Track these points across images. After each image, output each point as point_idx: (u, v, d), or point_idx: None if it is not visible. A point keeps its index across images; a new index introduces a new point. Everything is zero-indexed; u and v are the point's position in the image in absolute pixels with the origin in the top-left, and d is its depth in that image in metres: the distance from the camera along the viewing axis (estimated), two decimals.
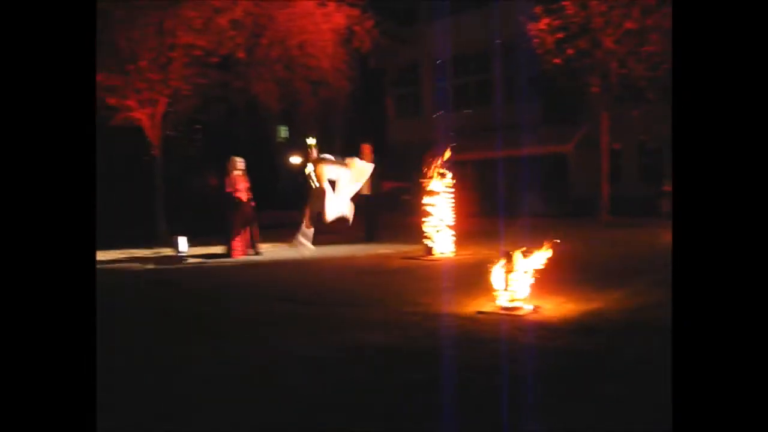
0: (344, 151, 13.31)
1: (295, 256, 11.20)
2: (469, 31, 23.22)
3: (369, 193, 12.73)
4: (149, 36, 13.46)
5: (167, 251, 12.22)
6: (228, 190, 11.43)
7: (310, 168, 10.85)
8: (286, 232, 11.33)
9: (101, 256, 12.17)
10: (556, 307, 6.24)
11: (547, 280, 6.38)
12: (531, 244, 6.36)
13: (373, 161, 12.64)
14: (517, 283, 6.11)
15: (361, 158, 12.84)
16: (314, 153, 10.94)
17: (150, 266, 10.88)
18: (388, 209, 17.95)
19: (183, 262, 10.89)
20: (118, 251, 12.72)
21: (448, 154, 10.21)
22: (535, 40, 15.15)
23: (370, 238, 12.81)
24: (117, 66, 13.49)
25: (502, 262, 6.20)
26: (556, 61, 14.95)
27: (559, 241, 6.25)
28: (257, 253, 11.58)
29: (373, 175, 12.60)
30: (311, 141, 11.03)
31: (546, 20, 14.76)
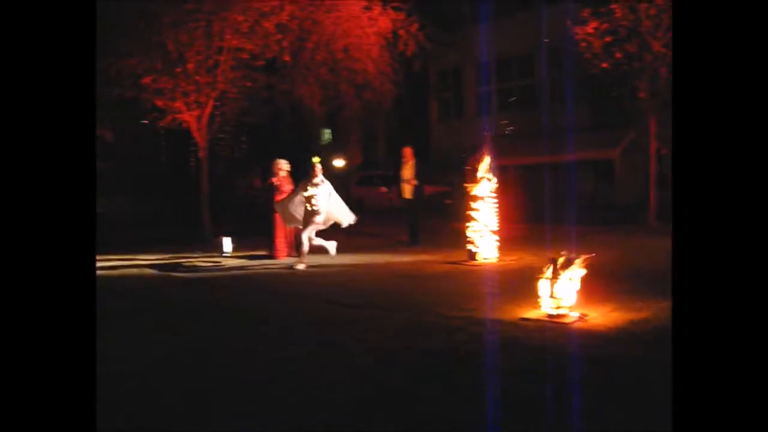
0: (387, 153, 13.34)
1: (335, 260, 11.23)
2: (513, 34, 23.03)
3: (410, 198, 12.69)
4: (197, 39, 13.65)
5: (212, 252, 12.37)
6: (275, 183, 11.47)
7: (312, 191, 10.43)
8: (327, 234, 11.34)
9: (148, 256, 12.37)
10: (603, 316, 6.12)
11: (594, 287, 6.27)
12: (576, 251, 6.26)
13: (415, 165, 12.61)
14: (564, 290, 6.01)
15: (403, 161, 12.82)
16: (319, 174, 10.64)
17: (193, 266, 11.02)
18: (431, 213, 17.88)
19: (225, 262, 10.99)
20: (163, 253, 12.91)
21: (488, 158, 10.11)
22: (582, 44, 14.93)
23: (413, 242, 12.76)
24: (165, 68, 13.71)
25: (548, 268, 6.11)
26: (604, 65, 14.70)
27: (592, 254, 6.15)
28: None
29: (416, 179, 12.56)
30: (316, 160, 10.87)
31: (594, 24, 14.52)
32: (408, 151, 12.81)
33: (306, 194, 10.41)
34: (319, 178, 10.55)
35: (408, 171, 12.73)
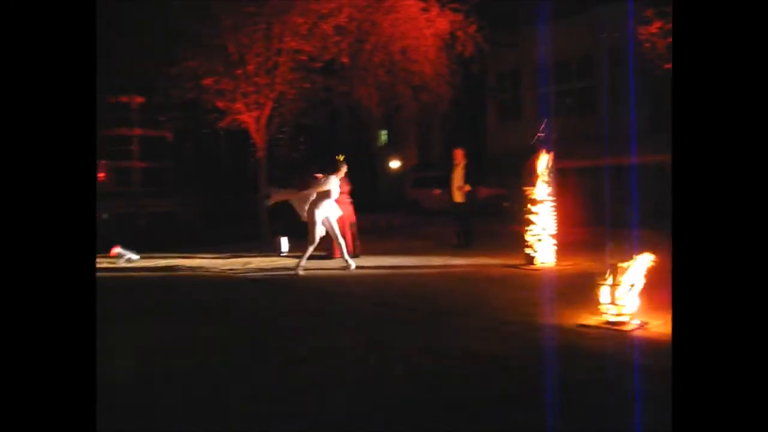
0: (442, 155, 13.32)
1: (392, 262, 11.23)
2: (573, 35, 22.65)
3: (461, 201, 12.61)
4: (257, 41, 13.83)
5: (269, 252, 12.53)
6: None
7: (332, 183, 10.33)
8: (385, 235, 11.36)
9: (207, 255, 12.61)
10: (666, 324, 5.95)
11: (657, 295, 6.11)
12: (636, 256, 6.11)
13: (466, 167, 12.54)
14: (625, 296, 5.87)
15: (454, 163, 12.78)
16: (342, 171, 10.56)
17: (250, 266, 11.18)
18: (488, 216, 17.74)
19: (282, 262, 11.10)
20: (222, 252, 13.13)
21: (547, 159, 9.96)
22: (646, 45, 14.59)
23: (464, 245, 12.67)
24: (226, 70, 13.94)
25: (609, 274, 5.98)
26: (668, 66, 14.34)
27: (654, 259, 5.99)
28: (355, 256, 11.69)
29: (467, 183, 12.46)
30: (341, 158, 10.80)
31: (658, 23, 14.17)
32: (459, 153, 12.73)
33: (324, 188, 10.31)
34: (341, 174, 10.51)
35: (458, 174, 12.64)
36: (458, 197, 12.67)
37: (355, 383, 4.68)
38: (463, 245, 12.66)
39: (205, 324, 6.86)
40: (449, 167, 13.07)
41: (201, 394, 4.55)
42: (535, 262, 9.97)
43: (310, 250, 10.24)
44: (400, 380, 4.73)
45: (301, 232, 12.82)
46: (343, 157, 10.84)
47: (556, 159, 10.21)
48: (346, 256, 10.50)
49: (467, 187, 12.52)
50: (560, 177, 10.24)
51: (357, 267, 10.31)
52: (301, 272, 10.09)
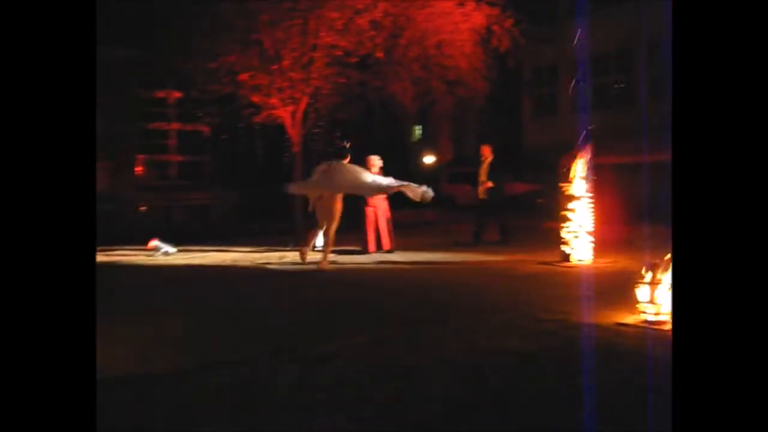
0: (477, 151, 13.25)
1: (426, 257, 11.20)
2: (611, 29, 22.31)
3: (484, 198, 12.51)
4: (293, 36, 13.87)
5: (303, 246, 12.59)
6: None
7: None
8: (416, 230, 11.34)
9: (243, 248, 12.72)
10: None
11: None
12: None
13: (492, 164, 12.49)
14: (664, 295, 5.76)
15: (481, 159, 12.66)
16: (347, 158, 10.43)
17: (284, 259, 11.24)
18: (524, 212, 17.58)
19: (315, 256, 11.15)
20: (257, 245, 13.23)
21: (585, 156, 9.83)
22: None
23: (505, 241, 12.57)
24: (262, 65, 14.02)
25: (647, 272, 5.88)
26: None
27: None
28: (390, 251, 11.70)
29: (491, 180, 12.34)
30: (347, 144, 10.71)
31: None
32: (486, 150, 12.61)
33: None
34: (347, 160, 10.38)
35: (484, 170, 12.51)
36: (481, 193, 12.51)
37: (392, 379, 4.66)
38: (475, 243, 12.52)
39: (241, 316, 6.92)
40: (477, 163, 13.02)
41: (247, 383, 4.57)
42: (571, 260, 9.86)
43: (324, 240, 10.22)
44: (436, 377, 4.71)
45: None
46: (350, 144, 10.79)
47: (594, 155, 10.08)
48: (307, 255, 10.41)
49: (489, 184, 12.43)
50: (597, 173, 10.11)
51: (393, 262, 10.30)
52: (326, 264, 10.07)
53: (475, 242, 12.62)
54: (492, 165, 12.61)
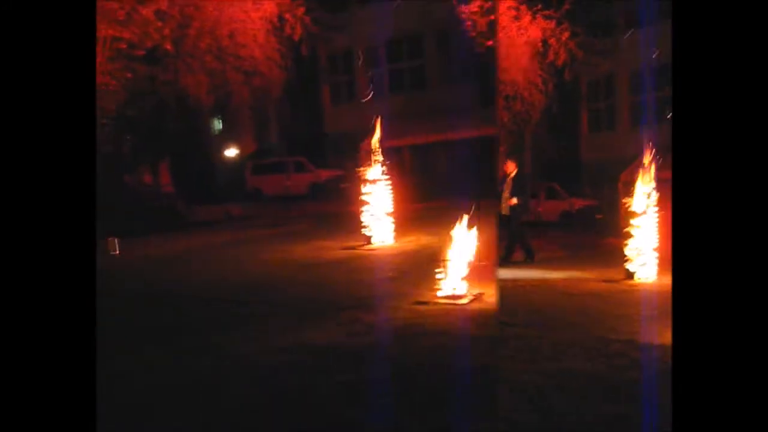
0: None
1: None
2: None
3: (507, 214, 11.52)
4: None
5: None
6: None
7: None
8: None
9: None
10: None
11: None
12: None
13: (515, 177, 11.51)
14: None
15: (506, 173, 11.60)
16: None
17: None
18: (583, 228, 16.79)
19: None
20: None
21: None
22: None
23: (506, 259, 11.14)
24: None
25: None
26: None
27: None
28: None
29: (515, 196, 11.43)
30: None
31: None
32: (509, 164, 11.60)
33: None
34: None
35: (508, 185, 11.46)
36: (504, 209, 11.45)
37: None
38: (504, 259, 11.04)
39: None
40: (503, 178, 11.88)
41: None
42: (635, 278, 9.47)
43: None
44: (500, 393, 4.57)
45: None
46: None
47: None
48: None
49: (513, 201, 11.30)
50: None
51: None
52: None
53: (527, 260, 11.49)
54: (516, 180, 11.48)
